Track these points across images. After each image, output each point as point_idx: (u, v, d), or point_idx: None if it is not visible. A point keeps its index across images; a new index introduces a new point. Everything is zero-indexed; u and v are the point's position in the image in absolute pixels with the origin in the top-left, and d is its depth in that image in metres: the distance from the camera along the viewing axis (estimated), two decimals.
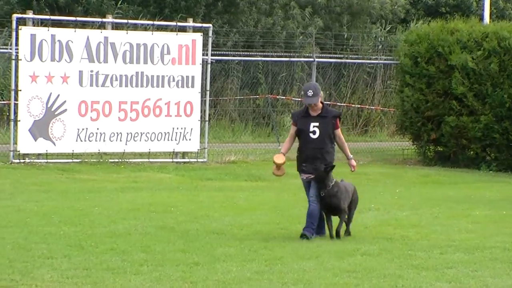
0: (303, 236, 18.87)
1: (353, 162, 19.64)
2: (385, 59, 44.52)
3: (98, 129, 33.71)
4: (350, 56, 45.62)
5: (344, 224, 19.86)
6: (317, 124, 18.40)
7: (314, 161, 18.40)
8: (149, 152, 34.58)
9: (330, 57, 43.70)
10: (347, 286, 15.82)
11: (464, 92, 36.19)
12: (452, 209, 25.72)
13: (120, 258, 18.02)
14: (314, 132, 18.29)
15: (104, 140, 33.81)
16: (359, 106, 45.11)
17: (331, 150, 18.80)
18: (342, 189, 19.01)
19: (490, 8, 47.06)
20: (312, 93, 18.57)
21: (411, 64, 37.43)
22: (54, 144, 33.14)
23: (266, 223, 22.40)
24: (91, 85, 33.52)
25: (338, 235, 19.49)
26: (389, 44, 47.83)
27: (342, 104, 44.46)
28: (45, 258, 17.77)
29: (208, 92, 35.90)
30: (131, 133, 34.23)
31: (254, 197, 27.37)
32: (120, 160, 33.81)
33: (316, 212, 18.82)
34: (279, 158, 18.93)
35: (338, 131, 18.95)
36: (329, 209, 18.87)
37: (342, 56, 45.19)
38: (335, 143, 19.18)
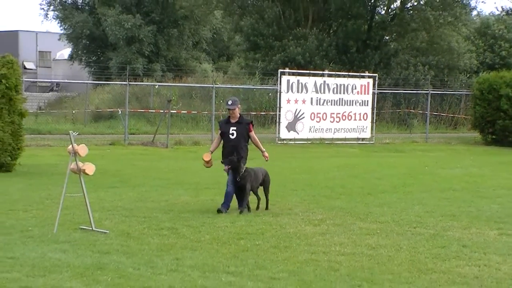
0: (219, 211, 14.40)
1: (266, 154, 15.13)
2: (466, 92, 43.66)
3: (320, 126, 33.86)
4: (448, 90, 44.91)
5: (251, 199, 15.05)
6: (235, 128, 14.89)
7: (232, 154, 14.68)
8: (345, 137, 34.65)
9: (438, 90, 43.02)
10: (444, 206, 15.61)
11: (507, 108, 35.36)
12: (501, 167, 25.19)
13: (330, 190, 17.84)
14: (232, 134, 14.85)
15: (323, 132, 34.01)
16: (452, 115, 44.38)
17: (244, 148, 14.88)
18: (251, 174, 14.78)
19: None
20: (231, 102, 14.99)
21: (479, 94, 36.74)
22: (298, 134, 33.43)
23: (403, 174, 22.15)
24: (317, 104, 33.70)
25: (248, 207, 14.75)
26: (468, 83, 46.93)
27: (443, 114, 43.94)
28: (292, 190, 17.73)
29: (374, 108, 35.74)
30: (336, 129, 34.29)
31: (398, 160, 27.19)
32: (331, 142, 33.89)
33: (231, 193, 14.69)
34: (206, 157, 14.95)
35: (252, 134, 14.97)
36: (238, 187, 14.72)
37: (444, 90, 44.48)
38: (248, 143, 15.03)
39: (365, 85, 34.91)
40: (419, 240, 11.89)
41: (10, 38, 70.06)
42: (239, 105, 15.08)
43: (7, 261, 9.72)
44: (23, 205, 14.45)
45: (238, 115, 15.00)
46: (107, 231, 11.83)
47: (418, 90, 43.31)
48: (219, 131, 15.15)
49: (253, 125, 15.10)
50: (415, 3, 51.80)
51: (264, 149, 15.11)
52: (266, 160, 15.18)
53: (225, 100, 15.63)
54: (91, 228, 11.90)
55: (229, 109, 14.95)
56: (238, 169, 14.55)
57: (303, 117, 33.34)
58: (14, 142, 20.50)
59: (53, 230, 11.75)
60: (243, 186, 14.60)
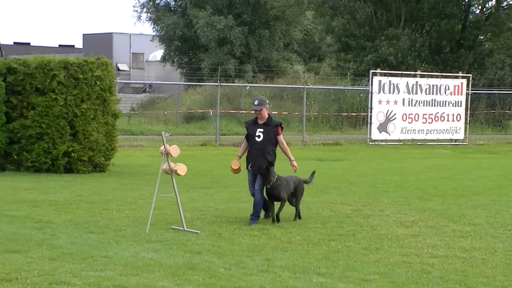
0: (250, 223, 12.86)
1: (294, 163, 13.49)
2: None
3: (412, 127, 33.66)
4: None
5: (294, 209, 13.55)
6: (262, 130, 13.24)
7: (258, 159, 13.17)
8: (438, 138, 34.28)
9: None
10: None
11: None
12: None
13: (422, 191, 17.54)
14: (259, 136, 13.26)
15: (415, 133, 33.75)
16: None
17: (271, 152, 13.28)
18: (283, 182, 13.17)
19: None
20: (257, 102, 13.31)
21: None
22: (389, 135, 33.31)
23: (498, 176, 21.71)
24: (408, 105, 33.49)
25: (277, 219, 13.04)
26: None
27: None
28: (384, 191, 17.42)
29: (468, 109, 35.25)
30: (428, 129, 34.05)
31: (492, 162, 26.69)
32: (423, 143, 33.60)
33: (260, 202, 13.17)
34: (235, 164, 13.52)
35: (280, 137, 13.40)
36: (271, 197, 13.17)
37: None
38: (276, 147, 13.48)
39: (458, 86, 34.49)
40: None
41: (104, 40, 71.46)
42: (267, 105, 13.56)
43: (101, 259, 9.91)
44: (116, 204, 14.70)
45: (266, 116, 13.47)
46: (198, 231, 11.93)
47: None
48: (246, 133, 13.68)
49: (282, 128, 13.61)
50: (511, 2, 50.85)
51: (293, 158, 13.58)
52: (295, 170, 13.54)
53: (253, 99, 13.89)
54: (182, 228, 12.02)
55: (255, 110, 13.44)
56: (267, 177, 13.12)
57: (395, 118, 33.15)
58: (108, 142, 20.93)
59: (145, 229, 11.91)
60: (277, 197, 13.18)
